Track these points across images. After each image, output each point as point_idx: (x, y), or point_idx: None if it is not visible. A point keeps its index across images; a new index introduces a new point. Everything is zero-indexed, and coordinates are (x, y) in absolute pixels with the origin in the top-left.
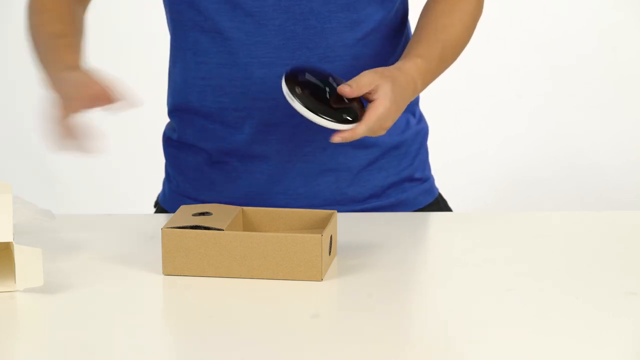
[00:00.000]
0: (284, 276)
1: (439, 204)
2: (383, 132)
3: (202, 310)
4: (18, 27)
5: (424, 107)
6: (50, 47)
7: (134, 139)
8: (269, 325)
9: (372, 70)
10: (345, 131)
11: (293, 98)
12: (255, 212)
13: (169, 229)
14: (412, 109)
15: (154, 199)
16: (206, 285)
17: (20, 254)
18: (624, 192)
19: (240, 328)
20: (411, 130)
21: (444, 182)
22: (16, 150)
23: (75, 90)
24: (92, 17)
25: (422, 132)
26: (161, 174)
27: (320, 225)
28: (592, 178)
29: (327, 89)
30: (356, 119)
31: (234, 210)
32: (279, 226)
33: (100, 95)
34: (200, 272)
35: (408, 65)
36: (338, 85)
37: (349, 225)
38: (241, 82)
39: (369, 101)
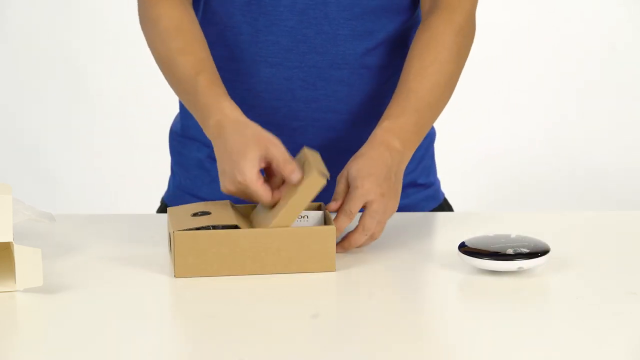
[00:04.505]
0: (297, 269)
1: (443, 210)
2: (385, 198)
3: (202, 310)
4: (18, 27)
5: None
6: (192, 90)
7: (135, 139)
8: (268, 325)
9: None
10: (342, 242)
11: None
12: (241, 207)
13: (181, 232)
14: None
15: (154, 199)
16: (206, 285)
17: (20, 254)
18: (627, 194)
19: (241, 328)
20: None
21: (445, 183)
22: (16, 151)
23: (235, 185)
24: (98, 11)
25: (428, 137)
26: (161, 174)
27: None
28: (593, 178)
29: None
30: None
31: (225, 204)
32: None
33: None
34: (213, 272)
35: (375, 135)
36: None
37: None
38: (247, 79)
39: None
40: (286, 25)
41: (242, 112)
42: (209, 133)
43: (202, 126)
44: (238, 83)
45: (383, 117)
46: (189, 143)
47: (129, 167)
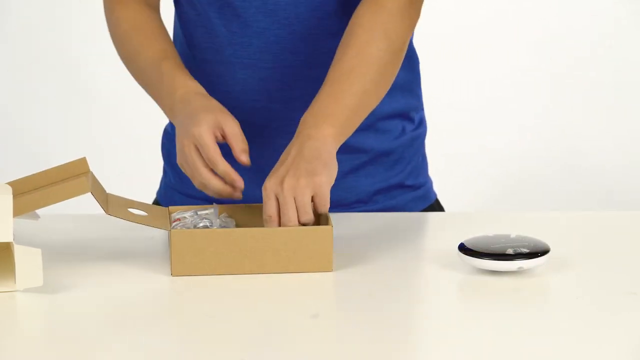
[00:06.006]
0: (295, 269)
1: (434, 211)
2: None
3: (202, 310)
4: (18, 27)
5: (426, 107)
6: (157, 75)
7: (133, 138)
8: (268, 325)
9: None
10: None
11: None
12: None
13: (179, 230)
14: (410, 114)
15: (151, 197)
16: (205, 285)
17: (20, 254)
18: (626, 193)
19: (240, 328)
20: (406, 136)
21: (445, 182)
22: (16, 151)
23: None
24: (93, 12)
25: (419, 137)
26: (158, 172)
27: None
28: (592, 178)
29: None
30: None
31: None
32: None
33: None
34: (210, 270)
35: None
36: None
37: (349, 225)
38: (225, 80)
39: None
40: (258, 26)
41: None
42: (175, 108)
43: (165, 107)
44: (217, 85)
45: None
46: None
47: (126, 166)
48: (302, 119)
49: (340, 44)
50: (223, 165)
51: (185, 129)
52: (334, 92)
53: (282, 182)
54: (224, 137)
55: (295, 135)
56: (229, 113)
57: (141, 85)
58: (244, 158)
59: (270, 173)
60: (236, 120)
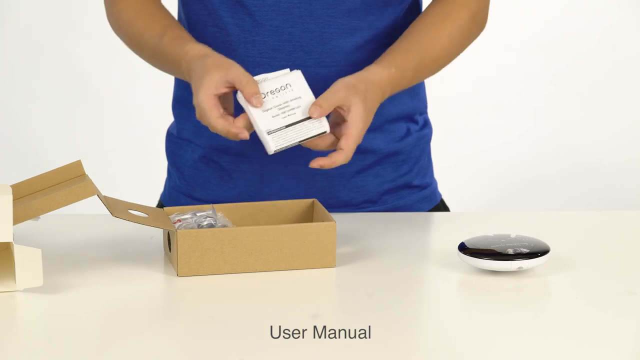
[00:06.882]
0: (299, 266)
1: (440, 211)
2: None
3: (202, 310)
4: (18, 28)
5: (428, 109)
6: (161, 51)
7: (134, 139)
8: (268, 325)
9: (343, 82)
10: (324, 159)
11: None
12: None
13: (184, 231)
14: (414, 117)
15: (154, 199)
16: (205, 284)
17: (20, 254)
18: (625, 192)
19: (241, 328)
20: (412, 137)
21: (445, 182)
22: (16, 151)
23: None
24: (96, 13)
25: (425, 138)
26: (161, 175)
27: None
28: (593, 178)
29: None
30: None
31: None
32: (260, 220)
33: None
34: (215, 270)
35: (381, 75)
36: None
37: (349, 225)
38: None
39: (341, 119)
40: (272, 24)
41: (208, 47)
42: (187, 79)
43: (181, 78)
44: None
45: (394, 63)
46: (183, 145)
47: (128, 167)
48: (390, 72)
49: (431, 23)
50: (221, 127)
51: (193, 97)
52: (418, 74)
53: (359, 140)
54: (232, 86)
55: (380, 90)
56: (226, 62)
57: (156, 67)
58: (254, 101)
59: (361, 97)
60: (237, 65)
